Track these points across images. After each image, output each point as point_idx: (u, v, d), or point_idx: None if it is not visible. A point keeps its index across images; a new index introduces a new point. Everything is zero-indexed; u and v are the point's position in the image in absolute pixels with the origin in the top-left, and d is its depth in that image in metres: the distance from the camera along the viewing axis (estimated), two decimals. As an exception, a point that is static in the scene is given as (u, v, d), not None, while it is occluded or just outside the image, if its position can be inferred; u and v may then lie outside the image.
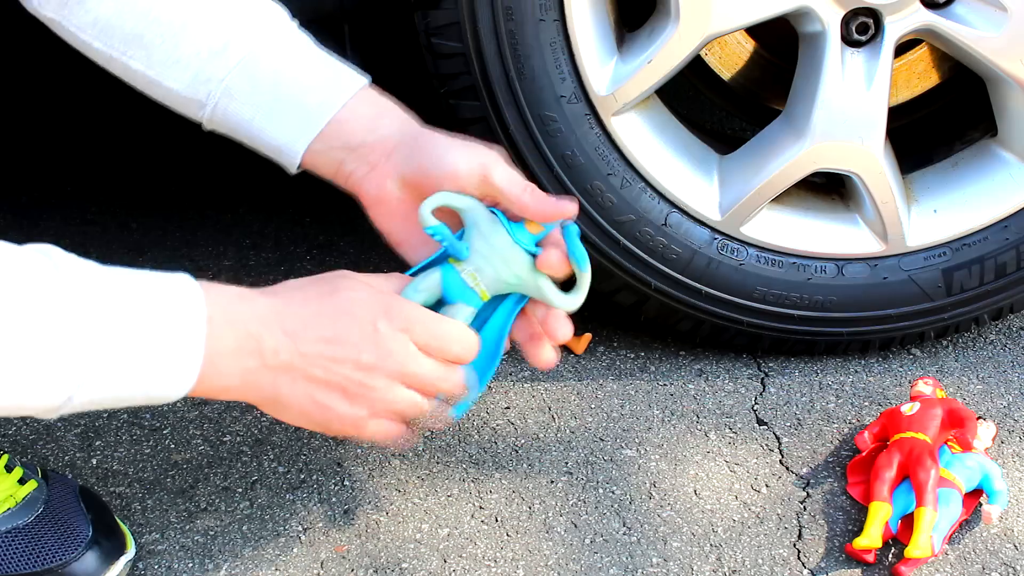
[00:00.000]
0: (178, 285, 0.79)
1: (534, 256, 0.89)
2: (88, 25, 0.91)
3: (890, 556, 1.08)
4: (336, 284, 0.85)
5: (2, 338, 0.69)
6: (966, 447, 1.14)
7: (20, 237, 1.70)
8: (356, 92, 0.93)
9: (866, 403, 1.29)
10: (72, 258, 0.75)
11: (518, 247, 0.89)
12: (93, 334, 0.72)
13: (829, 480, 1.17)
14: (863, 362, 1.36)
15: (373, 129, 0.92)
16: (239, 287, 0.83)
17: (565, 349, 1.36)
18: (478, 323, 0.93)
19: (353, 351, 0.82)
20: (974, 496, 1.12)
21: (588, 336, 1.35)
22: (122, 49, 0.92)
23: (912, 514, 1.08)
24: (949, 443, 1.15)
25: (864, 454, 1.17)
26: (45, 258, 0.73)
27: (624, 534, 1.11)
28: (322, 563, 1.06)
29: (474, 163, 0.89)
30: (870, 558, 1.06)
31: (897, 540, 1.08)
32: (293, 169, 0.95)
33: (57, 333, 0.70)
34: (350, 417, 0.85)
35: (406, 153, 0.91)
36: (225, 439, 1.22)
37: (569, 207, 0.89)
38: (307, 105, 0.92)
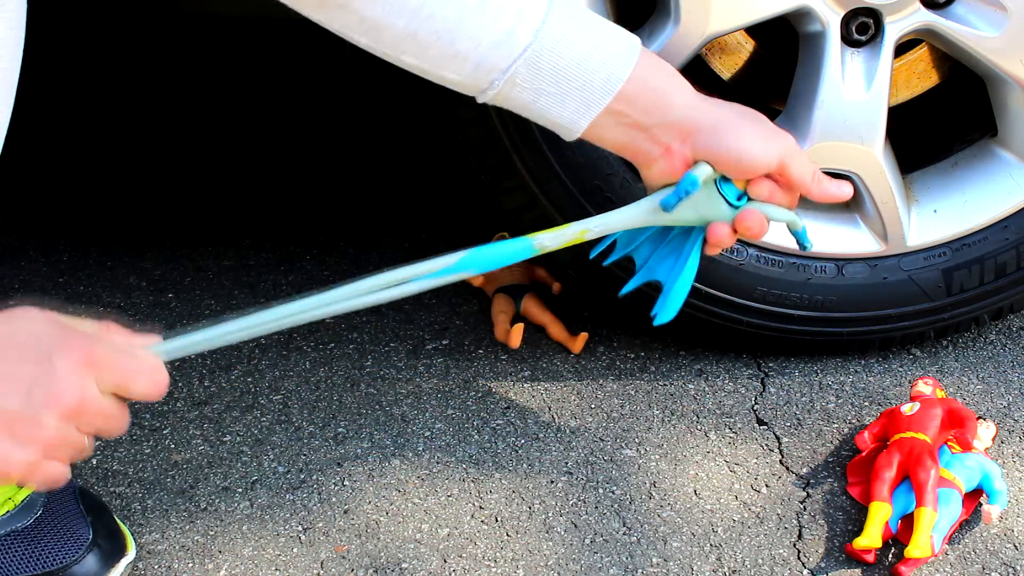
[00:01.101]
0: None
1: (736, 209, 0.96)
2: (355, 24, 0.90)
3: (890, 556, 1.08)
4: (14, 318, 0.77)
5: None
6: (966, 447, 1.14)
7: (20, 237, 1.71)
8: (635, 63, 0.92)
9: (866, 403, 1.29)
10: None
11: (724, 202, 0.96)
12: None
13: (829, 480, 1.17)
14: (863, 362, 1.36)
15: (664, 107, 0.93)
16: None
17: (554, 350, 1.36)
18: (667, 243, 1.03)
19: (22, 386, 0.74)
20: (974, 496, 1.12)
21: (584, 335, 1.35)
22: (392, 46, 0.90)
23: (912, 514, 1.08)
24: (949, 443, 1.15)
25: (864, 454, 1.17)
26: None
27: (624, 534, 1.11)
28: (322, 563, 1.06)
29: (773, 156, 0.93)
30: (870, 558, 1.06)
31: (897, 540, 1.08)
32: (571, 139, 0.96)
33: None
34: (16, 458, 0.74)
35: (703, 140, 0.93)
36: (225, 439, 1.22)
37: (846, 190, 0.98)
38: (591, 85, 0.91)
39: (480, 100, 0.94)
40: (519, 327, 1.33)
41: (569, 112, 0.93)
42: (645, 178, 0.99)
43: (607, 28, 0.93)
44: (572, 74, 0.91)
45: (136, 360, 0.79)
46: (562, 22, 0.90)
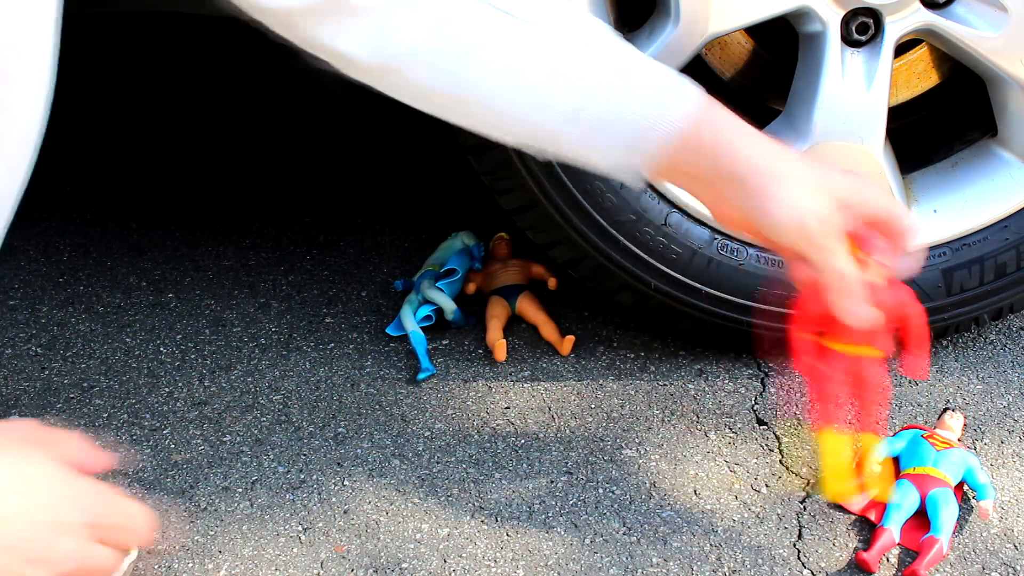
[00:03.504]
0: None
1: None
2: (403, 86, 0.91)
3: (891, 559, 1.08)
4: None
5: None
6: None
7: (20, 237, 1.70)
8: (687, 115, 0.88)
9: (866, 403, 1.29)
10: None
11: None
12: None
13: (829, 480, 1.17)
14: (863, 362, 1.36)
15: (714, 165, 0.88)
16: None
17: (553, 349, 1.36)
18: None
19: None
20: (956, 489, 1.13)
21: (571, 338, 1.35)
22: (441, 105, 0.92)
23: (916, 517, 1.08)
24: (932, 441, 1.15)
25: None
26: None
27: (624, 534, 1.11)
28: (322, 563, 1.06)
29: (793, 220, 0.86)
30: (873, 567, 1.06)
31: (900, 546, 1.08)
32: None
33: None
34: None
35: (743, 192, 0.88)
36: (225, 439, 1.22)
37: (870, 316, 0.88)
38: (635, 136, 0.88)
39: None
40: (502, 344, 1.33)
41: (612, 161, 0.90)
42: (710, 209, 0.96)
43: (658, 75, 0.91)
44: (617, 128, 0.89)
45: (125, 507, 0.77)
46: (620, 73, 0.89)
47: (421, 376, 1.30)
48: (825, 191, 0.87)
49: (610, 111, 0.88)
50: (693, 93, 0.89)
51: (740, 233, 0.95)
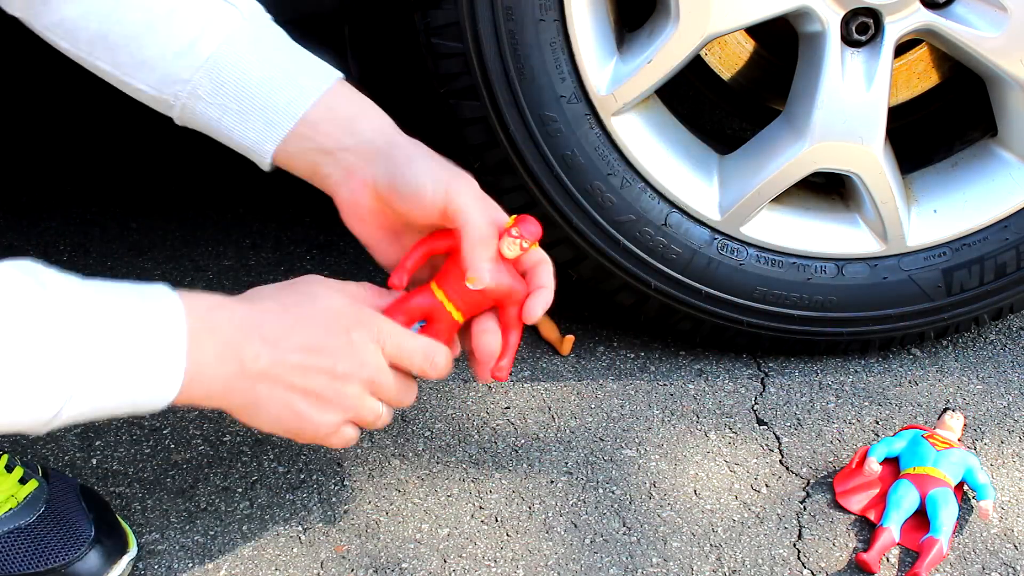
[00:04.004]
0: (158, 297, 0.79)
1: None
2: (54, 25, 0.90)
3: (891, 559, 1.08)
4: (312, 292, 0.86)
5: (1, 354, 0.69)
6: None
7: (20, 237, 1.70)
8: (327, 90, 0.91)
9: (866, 403, 1.29)
10: (53, 273, 0.75)
11: None
12: (79, 350, 0.73)
13: (829, 480, 1.17)
14: (863, 362, 1.36)
15: (350, 132, 0.91)
16: (216, 295, 0.83)
17: (553, 350, 1.36)
18: None
19: (330, 360, 0.84)
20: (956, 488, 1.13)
21: (571, 338, 1.35)
22: (88, 50, 0.91)
23: (916, 516, 1.08)
24: (932, 441, 1.15)
25: (852, 465, 1.17)
26: (27, 276, 0.74)
27: (624, 534, 1.11)
28: (322, 563, 1.06)
29: (440, 191, 0.88)
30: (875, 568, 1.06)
31: (900, 546, 1.08)
32: (265, 167, 0.95)
33: (44, 350, 0.71)
34: (324, 425, 0.86)
35: (381, 165, 0.90)
36: (225, 439, 1.22)
37: (480, 284, 0.88)
38: (274, 105, 0.90)
39: (174, 118, 0.94)
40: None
41: (254, 133, 0.91)
42: (339, 206, 0.95)
43: (302, 55, 0.93)
44: (255, 92, 0.90)
45: (414, 340, 0.88)
46: (250, 40, 0.90)
47: None
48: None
49: (247, 71, 0.89)
50: (334, 74, 0.92)
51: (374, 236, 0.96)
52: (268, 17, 0.94)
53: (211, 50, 0.89)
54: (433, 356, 0.89)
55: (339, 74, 0.93)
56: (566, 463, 1.19)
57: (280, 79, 0.90)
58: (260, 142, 0.92)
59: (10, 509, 1.00)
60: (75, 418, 0.75)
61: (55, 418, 0.74)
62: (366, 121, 0.92)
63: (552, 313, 1.39)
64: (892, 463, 1.16)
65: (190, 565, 1.06)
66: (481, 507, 1.13)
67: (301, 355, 0.83)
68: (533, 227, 0.91)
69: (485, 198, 0.90)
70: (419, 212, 0.89)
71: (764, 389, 1.31)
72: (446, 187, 0.88)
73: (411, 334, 0.88)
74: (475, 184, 0.90)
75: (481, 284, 0.89)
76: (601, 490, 1.16)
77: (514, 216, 0.91)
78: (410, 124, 0.95)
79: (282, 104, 0.90)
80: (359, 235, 0.95)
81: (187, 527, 1.10)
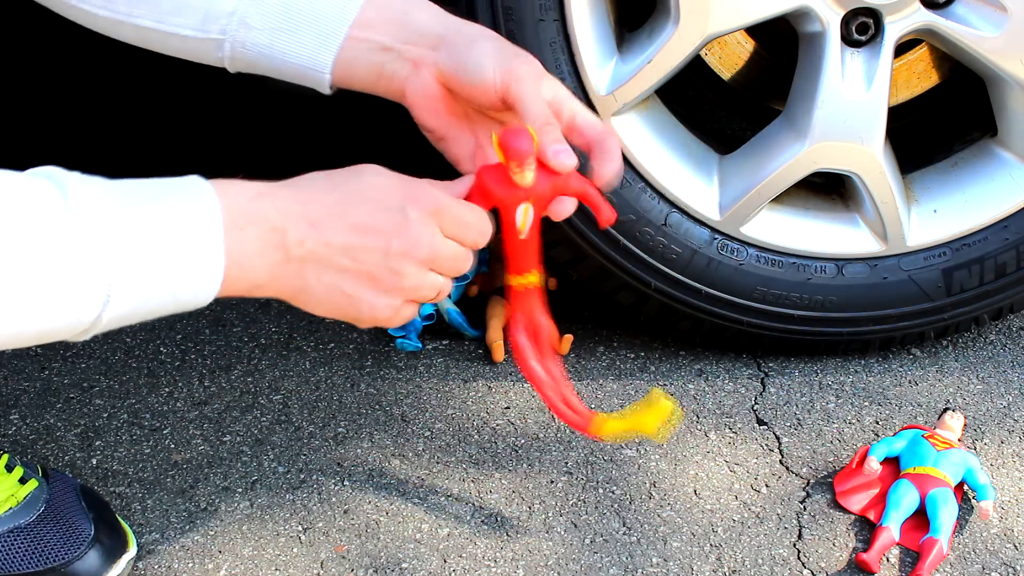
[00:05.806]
0: (191, 190, 0.77)
1: None
2: None
3: (891, 559, 1.08)
4: (360, 171, 0.84)
5: (24, 265, 0.68)
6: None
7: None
8: None
9: (866, 403, 1.29)
10: (78, 175, 0.74)
11: None
12: (110, 251, 0.71)
13: (829, 480, 1.17)
14: (863, 362, 1.36)
15: (407, 25, 0.89)
16: (259, 183, 0.81)
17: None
18: None
19: (382, 239, 0.80)
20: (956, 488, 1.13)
21: (569, 337, 1.35)
22: (127, 11, 0.89)
23: (915, 516, 1.08)
24: (933, 441, 1.15)
25: (853, 465, 1.17)
26: (50, 180, 0.73)
27: (624, 534, 1.11)
28: (322, 563, 1.06)
29: (499, 75, 0.85)
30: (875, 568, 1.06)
31: (900, 545, 1.08)
32: (326, 89, 0.92)
33: (74, 253, 0.69)
34: (381, 306, 0.82)
35: (444, 51, 0.88)
36: (225, 439, 1.22)
37: (568, 164, 0.85)
38: (324, 15, 0.88)
39: (228, 67, 0.92)
40: (499, 344, 1.33)
41: (308, 49, 0.89)
42: (410, 104, 0.91)
43: None
44: (302, 6, 0.88)
45: (469, 211, 0.85)
46: None
47: (474, 332, 1.34)
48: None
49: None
50: None
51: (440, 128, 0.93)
52: None
53: None
54: (484, 225, 0.85)
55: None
56: (566, 463, 1.19)
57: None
58: (316, 56, 0.89)
59: (10, 509, 1.00)
60: (119, 320, 0.72)
61: (96, 321, 0.71)
62: (420, 11, 0.90)
63: (552, 313, 1.39)
64: (892, 463, 1.16)
65: (190, 565, 1.06)
66: (481, 507, 1.13)
67: (349, 235, 0.79)
68: (519, 144, 0.84)
69: (547, 78, 0.88)
70: (483, 97, 0.87)
71: (764, 389, 1.31)
72: (505, 70, 0.86)
73: (469, 206, 0.85)
74: (537, 65, 0.88)
75: (570, 160, 0.85)
76: (601, 490, 1.16)
77: (495, 136, 0.86)
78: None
79: (332, 13, 0.88)
80: (434, 130, 0.92)
81: (187, 527, 1.10)
